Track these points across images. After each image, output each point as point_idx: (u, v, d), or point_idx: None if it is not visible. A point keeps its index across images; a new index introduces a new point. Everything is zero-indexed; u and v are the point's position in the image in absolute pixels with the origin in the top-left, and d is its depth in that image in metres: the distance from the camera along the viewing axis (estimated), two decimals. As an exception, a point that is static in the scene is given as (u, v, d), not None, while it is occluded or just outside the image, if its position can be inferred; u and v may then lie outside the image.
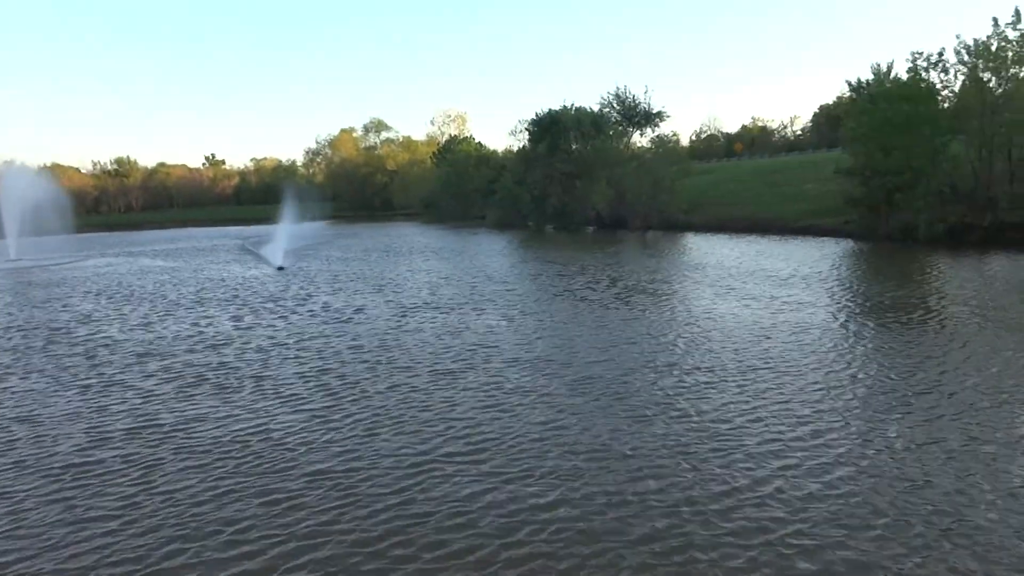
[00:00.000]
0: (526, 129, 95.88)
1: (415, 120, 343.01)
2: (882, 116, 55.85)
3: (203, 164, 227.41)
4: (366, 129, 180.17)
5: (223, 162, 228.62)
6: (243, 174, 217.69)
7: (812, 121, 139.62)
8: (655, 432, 16.47)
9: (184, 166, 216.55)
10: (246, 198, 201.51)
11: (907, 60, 58.65)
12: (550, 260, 52.77)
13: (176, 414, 17.70)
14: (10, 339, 29.01)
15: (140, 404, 18.60)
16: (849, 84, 62.78)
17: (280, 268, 49.56)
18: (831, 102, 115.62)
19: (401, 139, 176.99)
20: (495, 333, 27.44)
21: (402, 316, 31.49)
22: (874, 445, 15.32)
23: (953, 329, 25.66)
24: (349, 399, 19.17)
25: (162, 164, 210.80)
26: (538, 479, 14.15)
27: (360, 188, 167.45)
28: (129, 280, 48.91)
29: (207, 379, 21.25)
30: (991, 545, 11.11)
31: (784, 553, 10.98)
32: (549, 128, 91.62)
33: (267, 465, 14.25)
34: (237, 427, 16.62)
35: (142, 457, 14.94)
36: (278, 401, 18.68)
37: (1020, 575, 10.50)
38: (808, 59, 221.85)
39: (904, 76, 58.56)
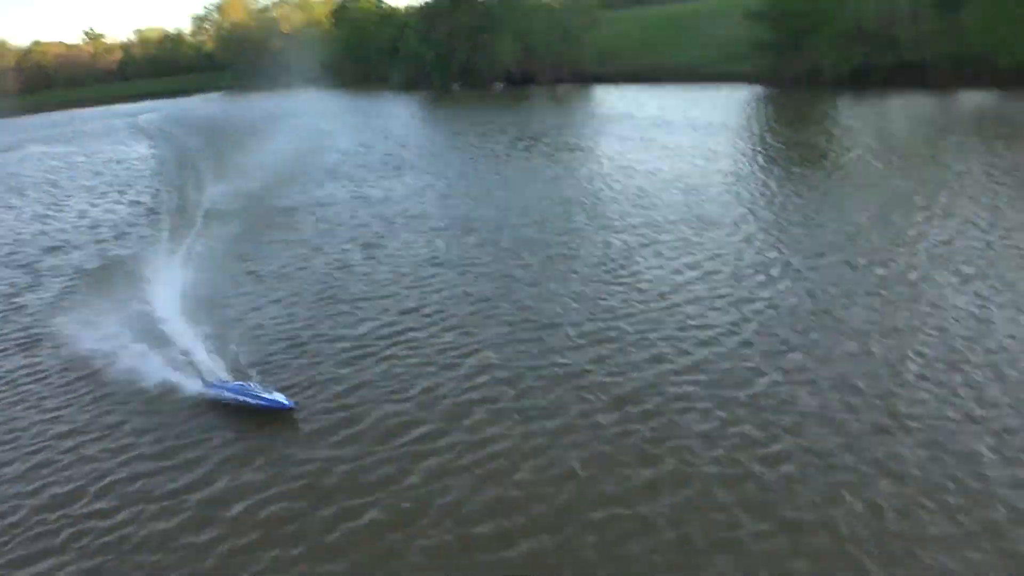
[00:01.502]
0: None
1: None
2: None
3: (82, 40, 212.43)
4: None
5: (103, 36, 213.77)
6: (126, 48, 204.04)
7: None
8: (586, 292, 17.26)
9: (61, 43, 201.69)
10: (132, 73, 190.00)
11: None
12: (462, 120, 52.46)
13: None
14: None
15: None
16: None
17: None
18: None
19: (296, 1, 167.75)
20: (410, 199, 27.55)
21: (318, 186, 31.32)
22: (771, 273, 16.65)
23: (854, 168, 26.98)
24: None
25: (36, 43, 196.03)
26: (462, 335, 14.99)
27: (254, 55, 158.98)
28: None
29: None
30: (856, 330, 14.51)
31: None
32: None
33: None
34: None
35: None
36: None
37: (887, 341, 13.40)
38: None
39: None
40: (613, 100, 55.99)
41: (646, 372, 13.78)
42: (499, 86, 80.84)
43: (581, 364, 14.20)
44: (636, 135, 36.96)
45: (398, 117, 57.38)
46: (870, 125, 38.20)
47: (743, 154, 30.38)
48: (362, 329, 16.87)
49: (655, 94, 56.39)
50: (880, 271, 16.48)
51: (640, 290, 16.87)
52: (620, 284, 17.27)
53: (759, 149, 31.74)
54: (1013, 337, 14.04)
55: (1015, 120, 34.83)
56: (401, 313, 17.71)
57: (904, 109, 43.18)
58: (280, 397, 15.42)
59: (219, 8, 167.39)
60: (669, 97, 53.91)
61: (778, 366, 13.44)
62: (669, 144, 33.52)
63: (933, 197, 22.20)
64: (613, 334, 15.07)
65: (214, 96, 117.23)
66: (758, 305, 15.28)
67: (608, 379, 13.79)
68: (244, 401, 15.65)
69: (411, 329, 16.81)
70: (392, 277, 20.22)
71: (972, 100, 43.48)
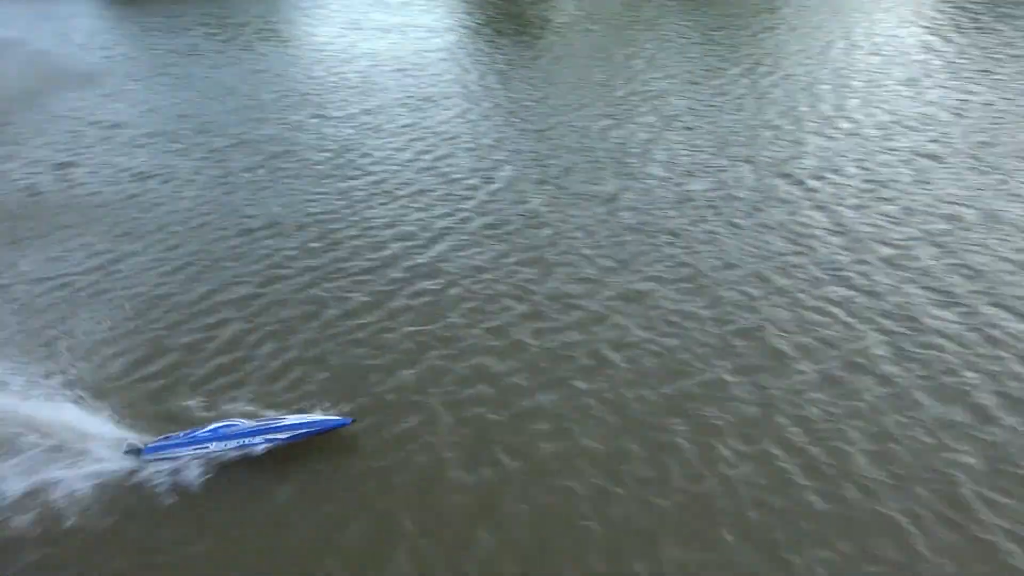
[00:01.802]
0: None
1: None
2: None
3: None
4: None
5: None
6: None
7: None
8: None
9: None
10: None
11: None
12: (150, 15, 47.00)
13: None
14: None
15: None
16: None
17: None
18: None
19: None
20: (102, 108, 24.70)
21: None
22: (498, 149, 16.68)
23: (569, 34, 27.54)
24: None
25: None
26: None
27: None
28: None
29: None
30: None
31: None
32: None
33: None
34: None
35: None
36: None
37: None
38: None
39: None
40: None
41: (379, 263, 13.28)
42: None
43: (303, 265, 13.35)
44: (344, 16, 35.16)
45: (77, 17, 50.47)
46: None
47: (459, 28, 29.95)
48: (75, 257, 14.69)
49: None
50: (611, 132, 16.89)
51: (367, 180, 16.16)
52: (345, 177, 16.42)
53: (474, 22, 31.43)
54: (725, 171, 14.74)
55: None
56: (117, 237, 15.66)
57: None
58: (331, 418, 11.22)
59: None
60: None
61: (504, 238, 13.53)
62: (382, 24, 32.28)
63: (648, 57, 23.11)
64: (338, 227, 14.39)
65: None
66: (486, 182, 15.10)
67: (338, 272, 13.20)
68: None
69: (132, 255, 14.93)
70: (99, 200, 17.80)
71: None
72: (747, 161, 17.56)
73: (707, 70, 23.01)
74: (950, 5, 30.09)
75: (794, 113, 20.91)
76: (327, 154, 18.20)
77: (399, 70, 25.17)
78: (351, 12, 36.95)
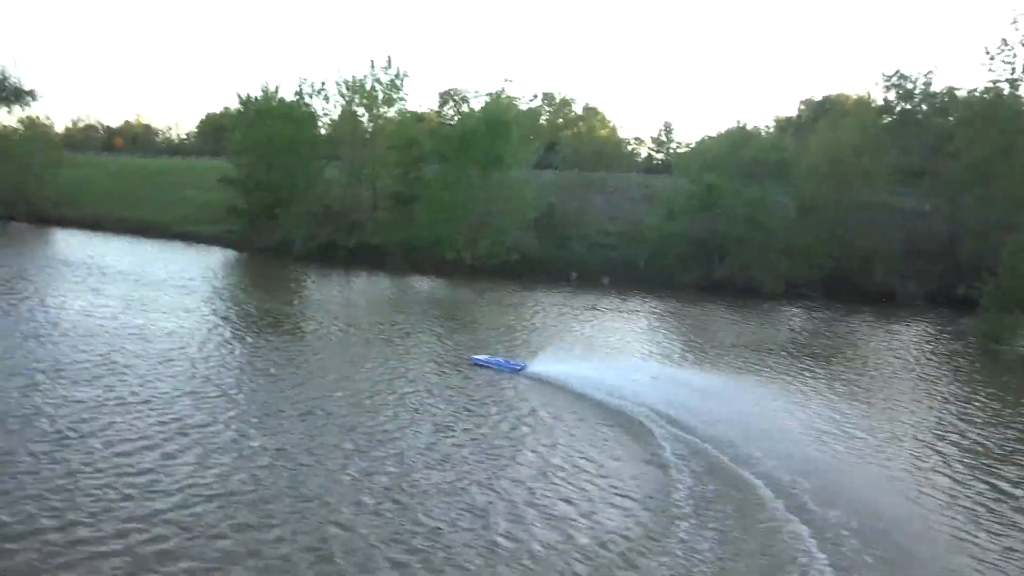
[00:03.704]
0: None
1: None
2: (268, 132, 57.70)
3: None
4: None
5: None
6: None
7: (198, 128, 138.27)
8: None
9: None
10: None
11: (295, 84, 61.86)
12: None
13: None
14: None
15: None
16: (239, 97, 63.69)
17: None
18: (219, 112, 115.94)
19: None
20: None
21: None
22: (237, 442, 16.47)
23: (318, 337, 28.31)
24: None
25: None
26: None
27: None
28: None
29: None
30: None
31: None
32: None
33: None
34: None
35: None
36: None
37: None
38: (198, 67, 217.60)
39: (290, 98, 61.27)
40: (74, 246, 53.19)
41: None
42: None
43: None
44: (96, 285, 35.76)
45: None
46: (334, 298, 40.75)
47: (213, 314, 31.27)
48: None
49: (124, 246, 54.65)
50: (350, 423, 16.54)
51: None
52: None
53: (230, 311, 32.26)
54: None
55: (453, 302, 39.61)
56: None
57: (365, 286, 46.64)
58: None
59: None
60: (139, 251, 52.73)
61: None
62: (133, 296, 33.46)
63: (383, 361, 23.71)
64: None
65: None
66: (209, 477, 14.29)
67: None
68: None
69: None
70: None
71: (421, 284, 48.19)
72: None
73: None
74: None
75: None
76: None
77: (133, 339, 25.55)
78: (107, 282, 38.38)
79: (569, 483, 15.92)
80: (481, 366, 26.02)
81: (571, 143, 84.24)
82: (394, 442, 17.45)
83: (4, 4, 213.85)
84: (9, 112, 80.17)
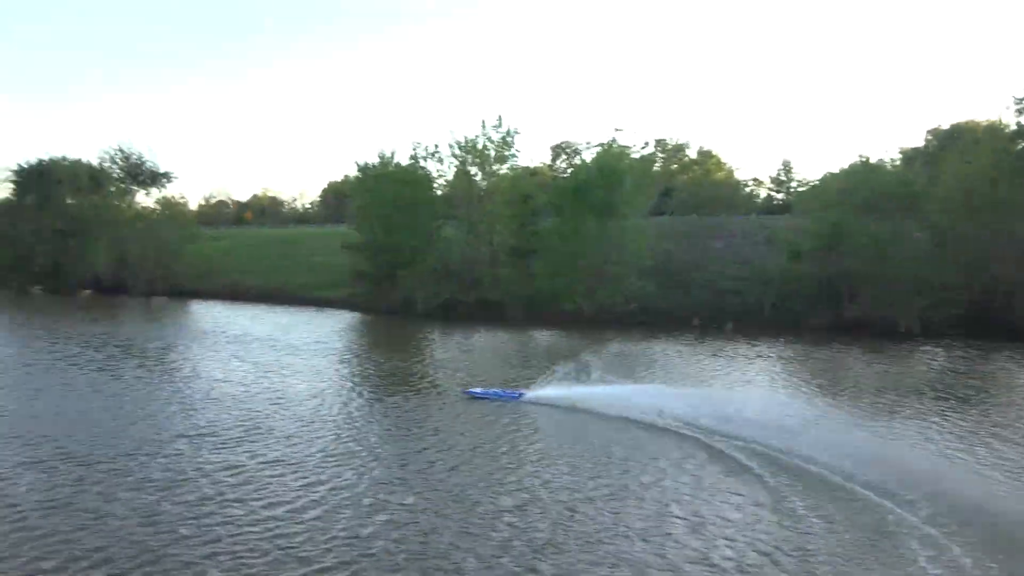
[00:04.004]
0: (9, 181, 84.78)
1: None
2: (386, 196, 59.56)
3: None
4: None
5: None
6: None
7: (321, 196, 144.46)
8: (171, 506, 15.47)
9: None
10: None
11: (410, 148, 63.81)
12: (39, 327, 48.03)
13: None
14: None
15: None
16: (357, 165, 66.38)
17: None
18: (340, 179, 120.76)
19: None
20: None
21: None
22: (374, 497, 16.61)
23: (446, 393, 29.34)
24: None
25: None
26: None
27: None
28: None
29: None
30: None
31: None
32: (39, 179, 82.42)
33: None
34: None
35: None
36: None
37: None
38: (318, 139, 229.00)
39: (405, 162, 63.32)
40: (211, 316, 55.40)
41: None
42: (87, 293, 75.12)
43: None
44: (234, 352, 38.05)
45: None
46: (458, 354, 41.00)
47: (346, 375, 32.45)
48: None
49: (257, 314, 56.68)
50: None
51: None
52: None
53: (361, 371, 33.39)
54: None
55: (573, 354, 39.32)
56: None
57: (486, 342, 46.91)
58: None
59: None
60: (271, 318, 54.40)
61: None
62: (269, 362, 34.87)
63: (513, 416, 24.85)
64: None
65: None
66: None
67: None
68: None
69: None
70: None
71: (541, 337, 48.07)
72: None
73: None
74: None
75: None
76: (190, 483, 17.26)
77: (272, 402, 26.63)
78: (239, 348, 39.92)
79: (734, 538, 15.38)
80: (478, 398, 27.50)
81: (687, 188, 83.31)
82: (537, 498, 17.23)
83: (140, 96, 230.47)
84: (147, 194, 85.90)
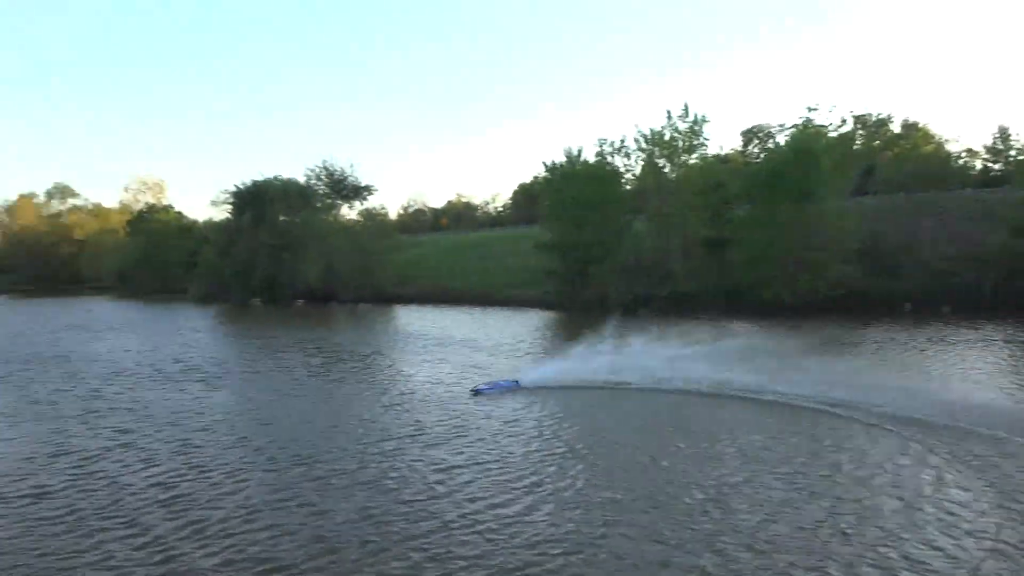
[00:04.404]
0: (228, 201, 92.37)
1: (106, 186, 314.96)
2: (574, 194, 59.97)
3: None
4: (49, 195, 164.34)
5: None
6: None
7: (512, 198, 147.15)
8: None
9: None
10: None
11: (595, 145, 63.90)
12: (260, 335, 52.51)
13: None
14: None
15: None
16: (545, 165, 67.24)
17: None
18: (529, 181, 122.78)
19: (90, 207, 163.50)
20: (204, 414, 26.01)
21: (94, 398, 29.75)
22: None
23: (640, 389, 28.19)
24: None
25: None
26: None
27: (43, 260, 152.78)
28: None
29: None
30: None
31: None
32: (254, 199, 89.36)
33: None
34: None
35: None
36: None
37: None
38: (507, 140, 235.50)
39: (592, 159, 63.40)
40: (413, 320, 57.77)
41: None
42: (300, 303, 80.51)
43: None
44: (438, 354, 39.10)
45: (196, 330, 55.74)
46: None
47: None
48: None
49: (456, 316, 58.66)
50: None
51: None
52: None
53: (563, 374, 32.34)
54: None
55: (777, 345, 37.70)
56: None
57: (681, 335, 45.81)
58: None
59: (7, 210, 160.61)
60: (469, 319, 56.08)
61: None
62: (471, 363, 35.51)
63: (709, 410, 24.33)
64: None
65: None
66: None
67: None
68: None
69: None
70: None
71: (741, 329, 46.69)
72: None
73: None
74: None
75: None
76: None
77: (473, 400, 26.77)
78: (441, 350, 40.83)
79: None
80: (482, 392, 27.32)
81: (891, 165, 78.41)
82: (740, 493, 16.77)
83: (339, 110, 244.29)
84: (351, 207, 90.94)
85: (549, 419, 24.97)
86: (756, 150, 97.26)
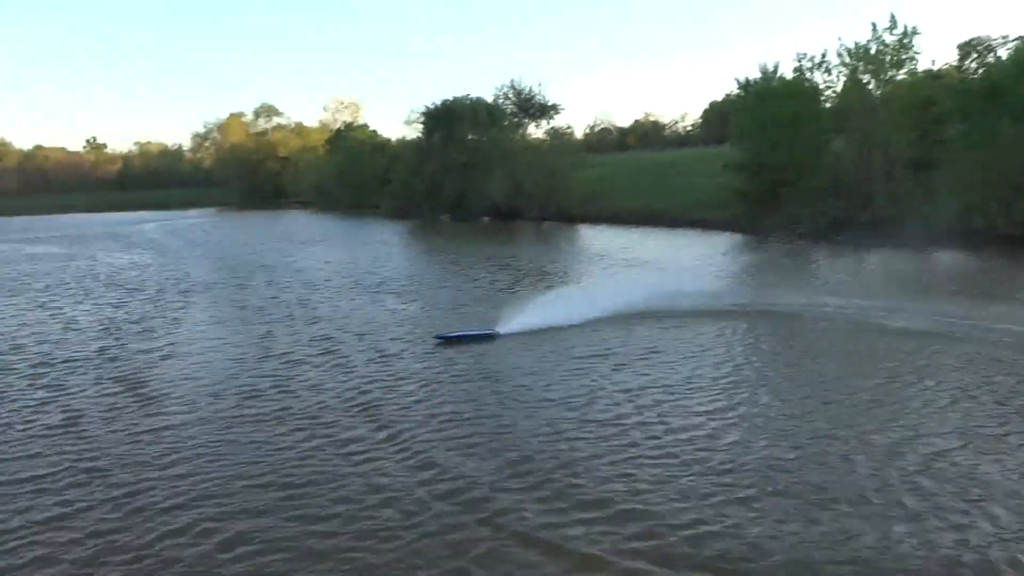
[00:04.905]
0: (419, 121, 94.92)
1: (307, 106, 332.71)
2: (769, 113, 57.52)
3: (83, 148, 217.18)
4: (256, 114, 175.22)
5: (104, 146, 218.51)
6: (126, 158, 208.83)
7: (702, 117, 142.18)
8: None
9: (63, 149, 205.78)
10: (131, 183, 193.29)
11: (793, 60, 60.76)
12: (449, 251, 55.04)
13: None
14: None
15: None
16: (738, 82, 64.61)
17: None
18: (720, 99, 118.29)
19: (293, 125, 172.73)
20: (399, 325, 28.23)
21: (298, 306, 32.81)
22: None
23: (827, 326, 26.71)
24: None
25: (39, 147, 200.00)
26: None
27: (251, 175, 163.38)
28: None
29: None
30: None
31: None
32: (444, 118, 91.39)
33: None
34: None
35: None
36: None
37: None
38: (698, 58, 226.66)
39: (790, 75, 60.46)
40: (597, 239, 58.04)
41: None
42: (486, 220, 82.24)
43: None
44: (624, 274, 39.59)
45: (388, 244, 58.70)
46: (849, 279, 38.64)
47: (737, 300, 30.77)
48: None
49: (640, 237, 58.42)
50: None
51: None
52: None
53: (742, 295, 32.26)
54: None
55: (992, 280, 35.13)
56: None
57: (882, 264, 43.79)
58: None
59: (219, 128, 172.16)
60: (654, 241, 55.76)
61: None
62: (660, 284, 34.43)
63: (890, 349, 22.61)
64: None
65: (211, 213, 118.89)
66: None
67: None
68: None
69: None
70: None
71: (947, 259, 43.85)
72: None
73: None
74: None
75: None
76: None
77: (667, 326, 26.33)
78: (630, 270, 40.66)
79: None
80: (448, 339, 24.89)
81: None
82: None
83: (530, 32, 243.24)
84: (538, 126, 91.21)
85: (739, 344, 24.43)
86: (974, 65, 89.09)
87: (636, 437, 15.84)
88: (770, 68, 63.35)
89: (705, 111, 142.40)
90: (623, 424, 16.70)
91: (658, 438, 15.78)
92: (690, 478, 13.70)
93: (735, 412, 17.43)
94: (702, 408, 17.68)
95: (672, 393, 18.93)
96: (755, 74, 65.26)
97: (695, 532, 11.75)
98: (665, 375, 20.69)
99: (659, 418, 17.00)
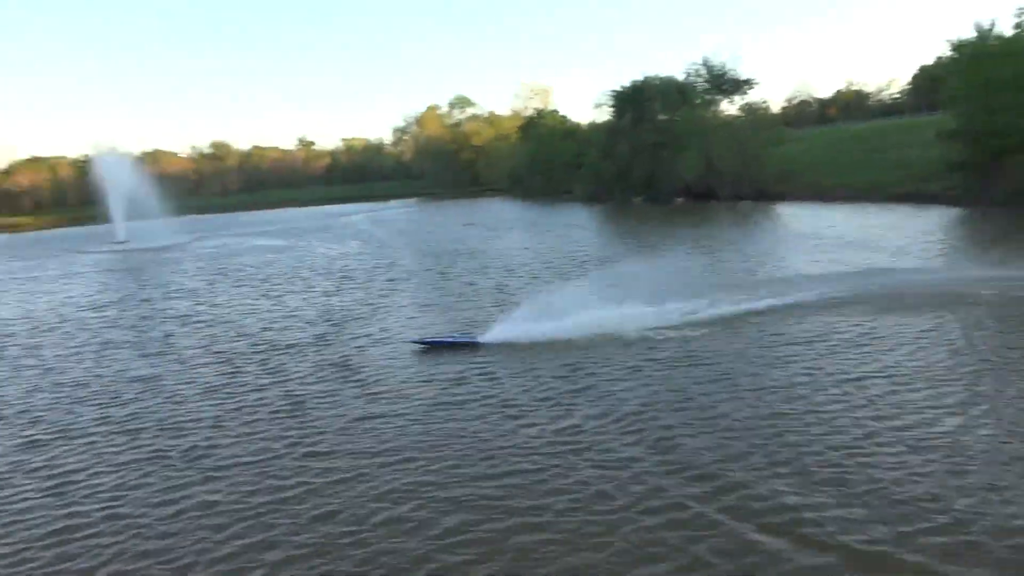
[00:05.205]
0: (609, 104, 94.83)
1: (499, 95, 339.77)
2: (987, 75, 53.16)
3: (296, 146, 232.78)
4: (451, 106, 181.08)
5: (314, 144, 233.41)
6: (334, 154, 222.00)
7: (911, 83, 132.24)
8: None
9: (277, 148, 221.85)
10: (337, 178, 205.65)
11: (1013, 15, 55.70)
12: (646, 233, 54.56)
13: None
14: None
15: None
16: (951, 43, 59.82)
17: None
18: (931, 63, 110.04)
19: (486, 115, 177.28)
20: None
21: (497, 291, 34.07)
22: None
23: None
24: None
25: (256, 147, 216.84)
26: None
27: (447, 165, 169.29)
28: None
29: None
30: None
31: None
32: (633, 99, 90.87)
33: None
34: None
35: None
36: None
37: None
38: (905, 20, 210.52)
39: (1009, 33, 55.49)
40: (798, 218, 55.60)
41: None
42: (679, 201, 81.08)
43: None
44: (831, 255, 36.75)
45: (582, 228, 59.42)
46: None
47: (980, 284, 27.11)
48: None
49: (842, 213, 55.47)
50: None
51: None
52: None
53: (958, 279, 28.44)
54: None
55: None
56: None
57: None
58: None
59: (417, 121, 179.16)
60: (861, 219, 52.36)
61: None
62: (876, 265, 32.72)
63: None
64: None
65: (411, 203, 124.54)
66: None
67: None
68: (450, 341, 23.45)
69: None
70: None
71: None
72: None
73: None
74: None
75: None
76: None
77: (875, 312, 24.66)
78: (836, 253, 37.82)
79: None
80: (427, 344, 23.81)
81: None
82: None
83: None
84: (731, 102, 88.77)
85: (977, 329, 22.60)
86: None
87: (872, 427, 15.06)
88: (986, 25, 58.30)
89: (914, 76, 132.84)
90: (854, 413, 16.02)
91: (895, 430, 14.90)
92: (936, 475, 12.98)
93: (978, 405, 16.03)
94: (939, 400, 16.39)
95: (903, 382, 17.64)
96: (969, 33, 60.23)
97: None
98: (894, 361, 19.30)
99: (891, 408, 16.09)
